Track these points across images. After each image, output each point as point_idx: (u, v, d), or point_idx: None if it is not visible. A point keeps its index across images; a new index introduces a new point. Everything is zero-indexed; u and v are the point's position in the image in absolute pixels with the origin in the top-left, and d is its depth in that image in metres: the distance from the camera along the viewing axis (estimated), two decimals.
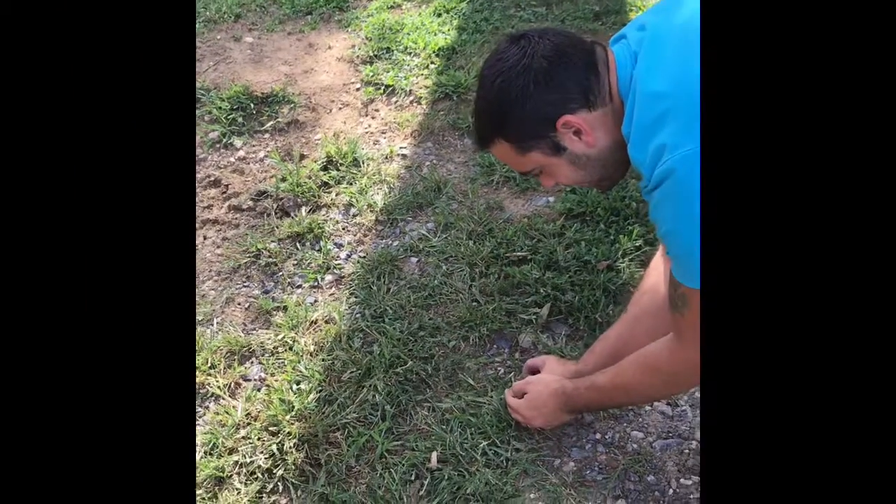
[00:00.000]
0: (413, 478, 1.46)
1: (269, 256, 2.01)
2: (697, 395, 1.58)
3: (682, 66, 1.00)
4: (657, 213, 1.05)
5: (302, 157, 2.35)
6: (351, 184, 2.24)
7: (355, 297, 1.87)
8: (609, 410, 1.56)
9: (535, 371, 1.56)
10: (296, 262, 2.00)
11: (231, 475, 1.50)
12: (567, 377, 1.45)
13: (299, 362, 1.70)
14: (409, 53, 2.81)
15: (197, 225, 2.16)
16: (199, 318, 1.86)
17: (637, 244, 1.90)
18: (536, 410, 1.46)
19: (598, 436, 1.53)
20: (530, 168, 1.19)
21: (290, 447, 1.52)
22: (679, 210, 0.99)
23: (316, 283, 1.93)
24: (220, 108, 2.56)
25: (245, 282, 1.97)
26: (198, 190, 2.29)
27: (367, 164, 2.30)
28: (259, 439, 1.55)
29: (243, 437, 1.56)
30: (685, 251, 1.02)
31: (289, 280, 1.95)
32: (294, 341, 1.76)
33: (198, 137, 2.48)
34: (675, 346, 1.18)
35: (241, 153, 2.41)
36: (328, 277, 1.95)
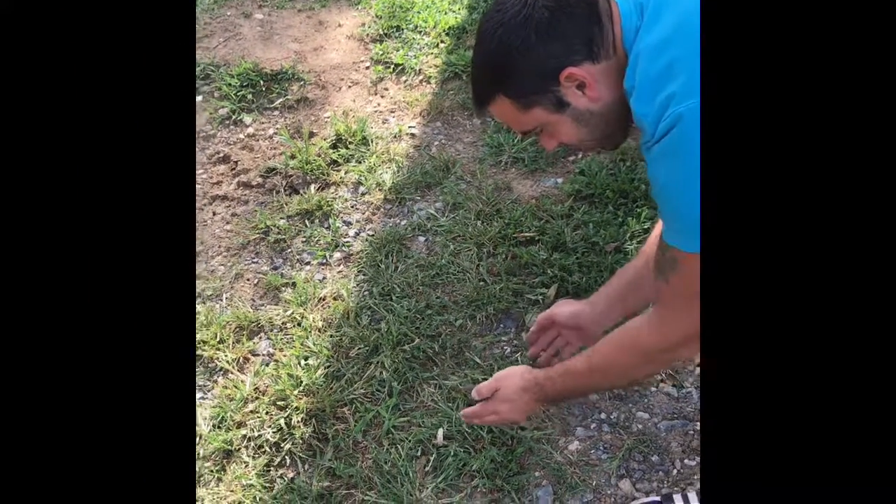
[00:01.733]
0: (419, 454, 1.48)
1: (278, 233, 2.02)
2: None
3: (688, 11, 0.96)
4: (655, 167, 1.00)
5: (311, 134, 2.35)
6: (360, 162, 2.24)
7: (363, 275, 1.88)
8: (614, 392, 1.57)
9: (548, 323, 1.49)
10: (304, 239, 2.01)
11: (239, 448, 1.52)
12: (576, 318, 1.41)
13: (307, 338, 1.72)
14: (420, 32, 2.80)
15: (206, 201, 2.17)
16: (208, 293, 1.87)
17: (645, 226, 1.90)
18: (510, 403, 1.35)
19: (603, 416, 1.54)
20: (531, 127, 1.14)
21: (298, 422, 1.54)
22: (680, 165, 0.93)
23: (324, 261, 1.94)
24: (230, 84, 2.56)
25: (254, 258, 1.98)
26: (207, 166, 2.29)
27: (376, 143, 2.30)
28: (267, 413, 1.57)
29: (251, 412, 1.58)
30: (682, 210, 0.96)
31: (297, 257, 1.96)
32: (302, 317, 1.77)
33: (207, 114, 2.49)
34: (655, 319, 1.12)
35: (251, 130, 2.41)
36: (336, 255, 1.96)
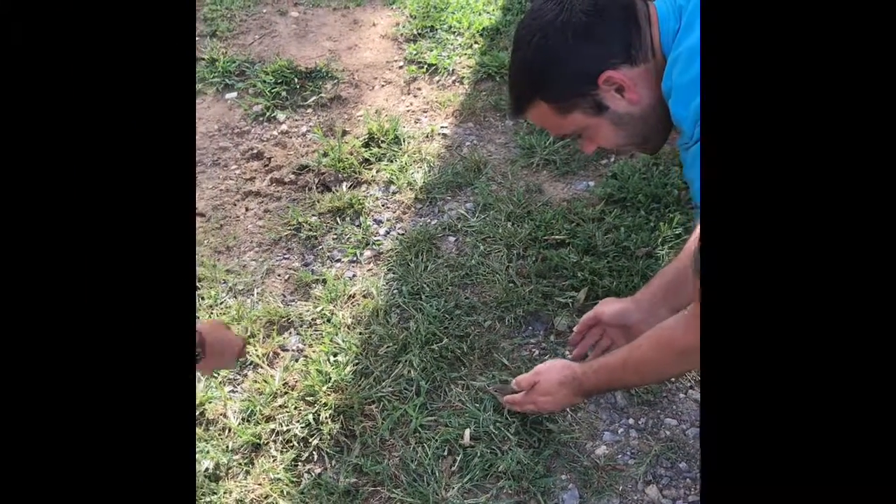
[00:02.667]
0: (446, 453, 1.48)
1: (310, 230, 2.04)
2: None
3: None
4: (693, 169, 1.02)
5: (344, 132, 2.37)
6: (391, 161, 2.25)
7: (393, 274, 1.89)
8: (642, 396, 1.56)
9: (593, 323, 1.51)
10: (335, 236, 2.02)
11: (267, 442, 1.54)
12: (622, 317, 1.41)
13: (337, 335, 1.73)
14: (453, 32, 2.81)
15: (239, 196, 2.19)
16: (240, 287, 1.89)
17: (677, 232, 1.89)
18: (549, 396, 1.41)
19: (631, 421, 1.53)
20: (571, 131, 1.15)
21: (326, 417, 1.55)
22: None
23: (355, 258, 1.96)
24: (265, 81, 2.58)
25: (285, 254, 1.99)
26: (241, 162, 2.32)
27: (408, 143, 2.31)
28: (296, 408, 1.58)
29: (280, 406, 1.60)
30: None
31: (328, 254, 1.98)
32: (332, 314, 1.79)
33: (241, 110, 2.51)
34: (691, 318, 1.13)
35: (284, 127, 2.43)
36: (367, 253, 1.97)
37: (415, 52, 2.71)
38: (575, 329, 1.55)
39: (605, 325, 1.48)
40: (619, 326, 1.45)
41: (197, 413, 1.59)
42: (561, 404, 1.43)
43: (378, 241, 2.00)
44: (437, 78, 2.61)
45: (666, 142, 1.18)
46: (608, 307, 1.47)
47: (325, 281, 1.88)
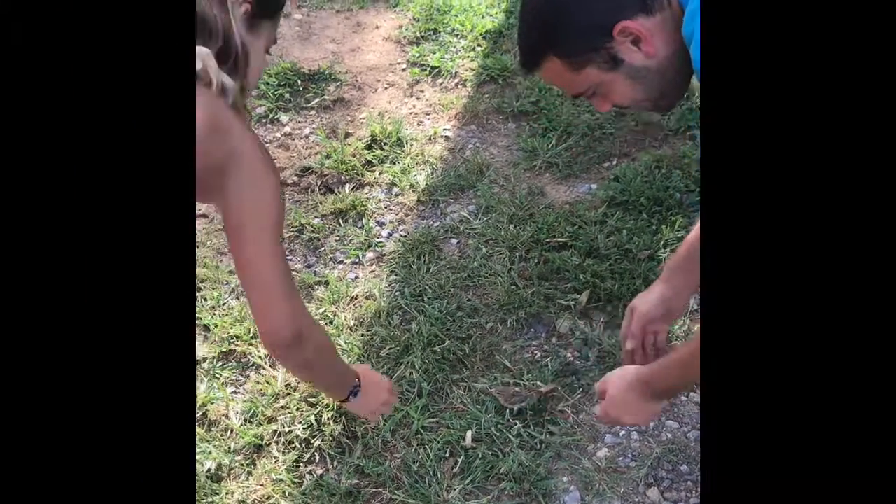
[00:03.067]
0: (447, 455, 1.49)
1: (312, 231, 2.04)
2: None
3: None
4: None
5: (347, 135, 2.37)
6: (394, 163, 2.26)
7: (395, 276, 1.89)
8: None
9: (644, 330, 1.32)
10: (338, 238, 2.03)
11: (270, 443, 1.54)
12: (663, 304, 1.28)
13: (339, 336, 1.73)
14: (456, 35, 2.81)
15: None
16: (242, 289, 1.89)
17: (679, 235, 1.89)
18: (622, 408, 1.24)
19: None
20: (584, 88, 1.10)
21: (328, 419, 1.56)
22: None
23: (357, 260, 1.96)
24: (268, 83, 2.59)
25: (288, 256, 2.00)
26: None
27: (411, 145, 2.31)
28: (298, 409, 1.59)
29: (282, 407, 1.60)
30: None
31: (331, 256, 1.98)
32: (335, 315, 1.79)
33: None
34: None
35: (287, 129, 2.44)
36: (369, 255, 1.97)
37: (418, 55, 2.71)
38: (627, 348, 1.35)
39: (652, 322, 1.32)
40: (664, 316, 1.31)
41: (199, 414, 1.59)
42: (638, 415, 1.25)
43: (380, 242, 2.01)
44: (439, 80, 2.61)
45: (682, 98, 1.14)
46: (644, 305, 1.31)
47: (327, 282, 1.88)
